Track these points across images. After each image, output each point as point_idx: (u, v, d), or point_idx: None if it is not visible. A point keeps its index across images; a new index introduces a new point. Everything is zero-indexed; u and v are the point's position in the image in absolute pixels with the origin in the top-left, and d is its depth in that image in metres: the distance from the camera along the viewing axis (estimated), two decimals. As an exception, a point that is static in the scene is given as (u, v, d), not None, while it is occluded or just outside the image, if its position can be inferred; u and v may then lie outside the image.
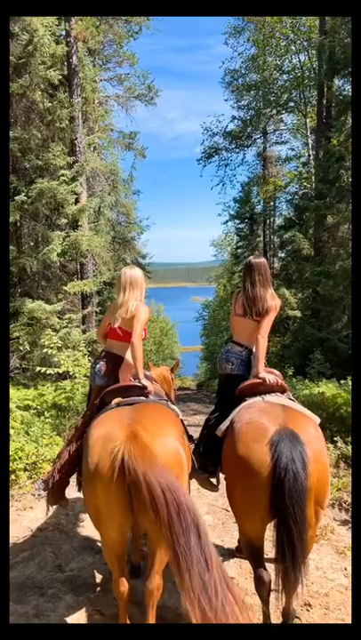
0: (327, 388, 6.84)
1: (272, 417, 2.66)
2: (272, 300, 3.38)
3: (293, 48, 18.27)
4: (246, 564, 3.63)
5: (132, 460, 2.25)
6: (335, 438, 5.61)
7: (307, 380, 8.61)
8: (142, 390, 3.06)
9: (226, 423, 2.99)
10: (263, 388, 3.11)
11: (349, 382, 7.12)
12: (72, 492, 4.97)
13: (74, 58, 9.98)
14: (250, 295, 3.36)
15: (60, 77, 9.47)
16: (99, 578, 3.57)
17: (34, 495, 4.99)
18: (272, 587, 2.69)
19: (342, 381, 7.24)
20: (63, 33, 9.90)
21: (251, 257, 3.54)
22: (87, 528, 4.31)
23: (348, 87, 12.20)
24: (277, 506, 2.39)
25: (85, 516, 4.44)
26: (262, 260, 3.49)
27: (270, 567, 2.70)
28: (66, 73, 9.96)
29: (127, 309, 3.29)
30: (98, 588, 3.43)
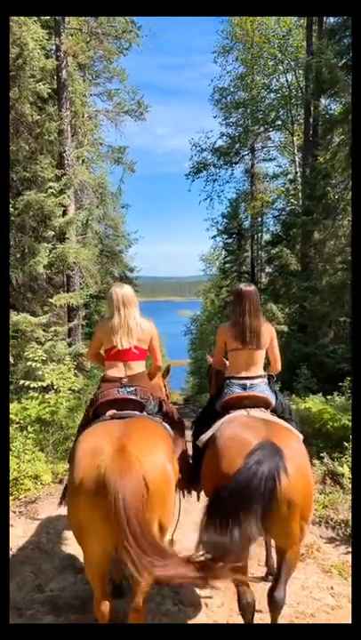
0: (314, 404, 6.82)
1: (255, 431, 2.62)
2: (267, 329, 3.27)
3: (281, 68, 18.66)
4: (231, 584, 3.54)
5: (112, 475, 2.21)
6: (321, 454, 5.58)
7: (294, 396, 8.60)
8: (137, 404, 2.99)
9: (208, 434, 2.93)
10: (248, 402, 3.06)
11: (336, 398, 7.12)
12: (54, 509, 4.87)
13: (63, 72, 10.02)
14: (246, 325, 3.17)
15: (50, 91, 9.48)
16: (80, 598, 3.46)
17: (14, 512, 4.87)
18: (257, 607, 2.64)
19: (329, 397, 7.24)
20: (53, 47, 9.97)
21: (241, 284, 3.36)
22: (68, 547, 4.20)
23: (334, 106, 12.46)
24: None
25: (67, 535, 4.33)
26: (253, 288, 3.32)
27: (255, 587, 2.64)
28: (55, 87, 10.00)
29: (140, 328, 3.13)
30: (79, 609, 3.32)
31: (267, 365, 3.43)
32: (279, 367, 3.46)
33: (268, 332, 3.27)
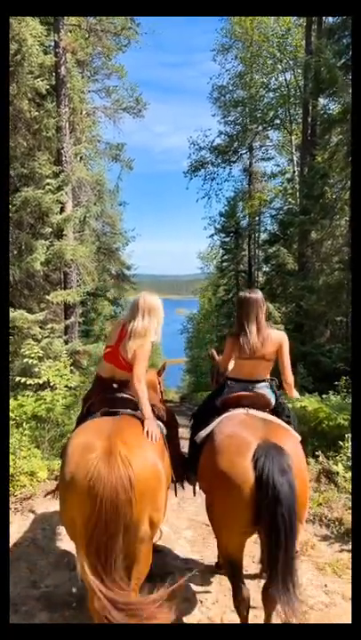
0: (309, 403, 6.83)
1: (253, 430, 2.63)
2: (275, 339, 3.13)
3: (280, 67, 18.67)
4: (226, 581, 3.57)
5: (101, 478, 2.25)
6: (317, 453, 5.60)
7: (289, 394, 8.61)
8: (130, 402, 2.98)
9: (207, 431, 2.94)
10: (248, 401, 3.06)
11: (331, 397, 7.15)
12: (49, 505, 4.88)
13: (62, 68, 10.00)
14: (250, 336, 3.08)
15: (48, 87, 9.46)
16: (75, 594, 3.47)
17: (10, 509, 4.86)
18: (251, 603, 2.65)
19: (324, 396, 7.26)
20: (52, 43, 9.94)
21: (245, 292, 3.24)
22: (64, 543, 4.21)
23: (333, 106, 12.47)
24: (265, 520, 2.36)
25: (62, 531, 4.34)
26: (256, 295, 3.19)
27: (250, 583, 2.65)
28: (54, 83, 9.98)
29: (143, 342, 3.02)
30: (74, 605, 3.33)
31: (278, 374, 3.31)
32: (290, 375, 3.25)
33: (276, 341, 3.13)
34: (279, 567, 2.33)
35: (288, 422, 3.09)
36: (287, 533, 2.33)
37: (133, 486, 2.29)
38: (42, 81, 9.07)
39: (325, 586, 3.56)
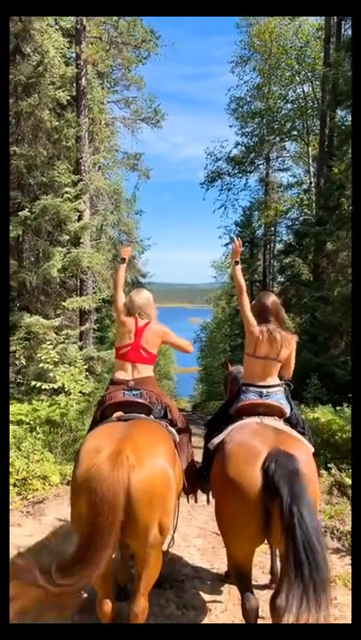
0: (323, 414, 6.80)
1: (264, 439, 2.64)
2: (289, 343, 3.20)
3: (298, 78, 18.74)
4: (235, 590, 3.56)
5: (101, 479, 2.27)
6: (329, 465, 5.57)
7: (303, 406, 8.58)
8: (144, 407, 3.02)
9: (220, 437, 2.95)
10: (262, 410, 3.05)
11: (345, 409, 7.10)
12: (61, 510, 4.92)
13: (83, 79, 10.20)
14: (265, 337, 3.15)
15: (69, 98, 9.66)
16: (84, 598, 3.49)
17: (22, 512, 4.92)
18: (260, 613, 2.65)
19: (338, 408, 7.21)
20: (73, 55, 10.14)
21: (261, 295, 3.35)
22: (75, 547, 4.23)
23: (350, 118, 12.49)
24: (287, 527, 2.25)
25: (73, 535, 4.36)
26: (272, 298, 3.31)
27: (259, 594, 2.65)
28: (74, 94, 10.17)
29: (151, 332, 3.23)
30: (83, 609, 3.34)
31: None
32: (290, 374, 3.39)
33: (289, 346, 3.20)
34: (305, 574, 2.20)
35: (302, 434, 3.07)
36: (317, 537, 2.23)
37: (136, 491, 2.31)
38: (63, 92, 9.26)
39: (335, 599, 3.53)
